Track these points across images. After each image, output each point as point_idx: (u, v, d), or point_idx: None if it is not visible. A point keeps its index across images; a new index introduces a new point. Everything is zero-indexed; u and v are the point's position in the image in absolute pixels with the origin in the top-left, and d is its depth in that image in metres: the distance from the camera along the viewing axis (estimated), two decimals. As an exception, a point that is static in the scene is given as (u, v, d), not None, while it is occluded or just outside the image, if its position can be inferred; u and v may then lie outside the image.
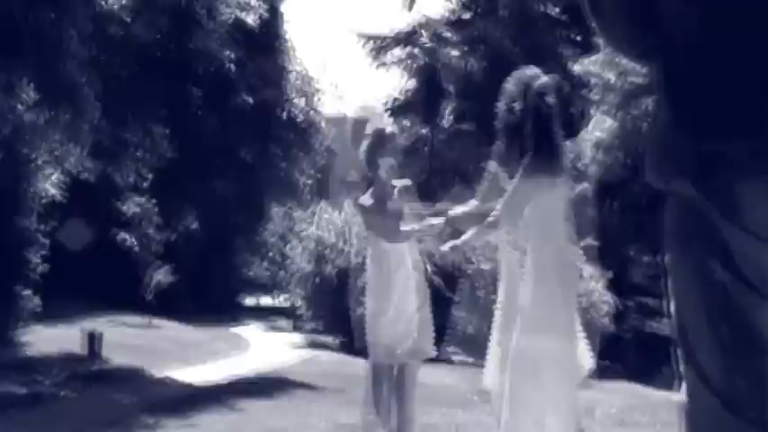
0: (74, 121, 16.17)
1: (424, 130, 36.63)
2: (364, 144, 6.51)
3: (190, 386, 14.84)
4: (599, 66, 20.55)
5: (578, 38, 29.66)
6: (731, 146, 1.25)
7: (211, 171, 30.98)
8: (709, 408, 1.32)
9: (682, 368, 1.40)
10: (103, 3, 15.89)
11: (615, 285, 18.73)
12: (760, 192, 1.23)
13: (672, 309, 1.42)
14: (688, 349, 1.37)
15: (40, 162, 18.89)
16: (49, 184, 19.71)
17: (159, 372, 16.44)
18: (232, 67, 24.98)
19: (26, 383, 14.20)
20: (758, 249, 1.23)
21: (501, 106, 5.22)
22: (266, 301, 43.21)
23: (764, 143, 1.23)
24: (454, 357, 17.38)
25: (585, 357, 5.30)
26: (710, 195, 1.28)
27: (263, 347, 23.21)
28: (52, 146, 18.03)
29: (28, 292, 19.07)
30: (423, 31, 36.13)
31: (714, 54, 1.28)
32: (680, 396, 1.41)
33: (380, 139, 6.43)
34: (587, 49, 23.57)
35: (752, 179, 1.23)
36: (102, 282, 28.28)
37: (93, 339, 18.24)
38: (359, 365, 17.77)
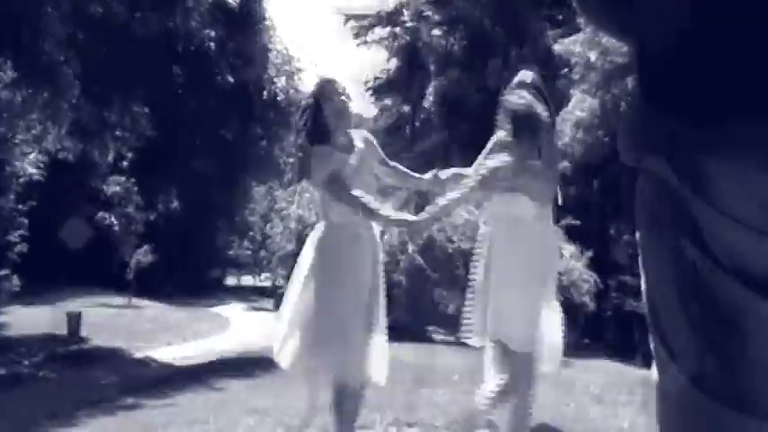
0: (53, 100, 16.06)
1: (405, 109, 36.63)
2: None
3: (170, 366, 14.81)
4: (580, 45, 20.53)
5: (560, 17, 29.62)
6: (704, 129, 1.25)
7: (192, 150, 30.89)
8: (680, 387, 1.31)
9: (653, 347, 1.38)
10: (82, -19, 15.76)
11: (596, 264, 18.78)
12: (729, 170, 1.22)
13: (644, 286, 1.41)
14: (659, 328, 1.36)
15: (17, 141, 18.75)
16: (28, 164, 19.58)
17: (139, 352, 16.42)
18: (212, 45, 24.88)
19: (5, 364, 14.16)
20: (725, 226, 1.23)
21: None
22: (247, 280, 43.21)
23: (739, 128, 1.22)
24: (435, 336, 17.44)
25: None
26: (682, 172, 1.28)
27: (244, 327, 23.18)
28: (30, 125, 17.91)
29: (6, 272, 18.97)
30: (405, 11, 36.06)
31: (694, 35, 1.27)
32: (653, 375, 1.40)
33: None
34: (569, 28, 23.56)
35: (722, 157, 1.23)
36: (82, 262, 28.22)
37: (73, 320, 18.19)
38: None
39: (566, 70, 22.38)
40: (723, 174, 1.23)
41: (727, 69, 1.25)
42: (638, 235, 1.42)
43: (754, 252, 1.23)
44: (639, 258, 1.42)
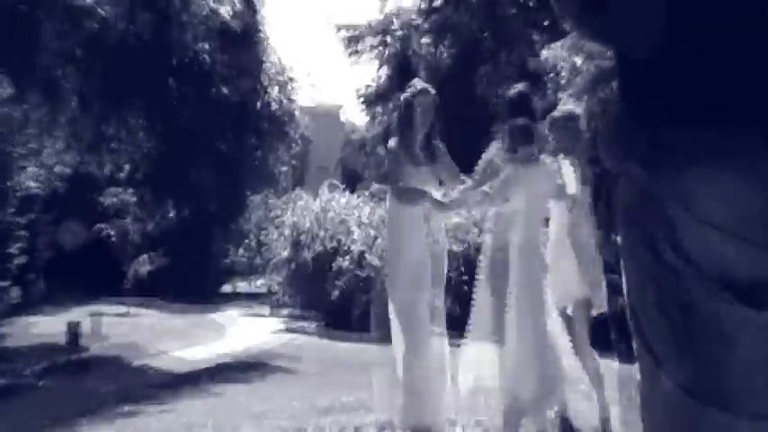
0: (51, 115, 16.26)
1: (396, 117, 36.70)
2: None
3: (168, 373, 14.91)
4: (566, 50, 20.62)
5: (546, 23, 29.78)
6: (681, 136, 1.26)
7: (189, 162, 30.95)
8: (665, 389, 1.31)
9: (636, 348, 1.38)
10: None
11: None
12: (705, 177, 1.24)
13: (625, 289, 1.40)
14: (640, 331, 1.35)
15: (16, 155, 18.93)
16: (25, 177, 19.76)
17: (138, 360, 16.52)
18: (207, 58, 25.06)
19: (5, 375, 14.29)
20: (704, 233, 1.24)
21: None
22: (242, 287, 43.13)
23: (715, 135, 1.24)
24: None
25: None
26: (660, 179, 1.28)
27: (241, 333, 23.30)
28: (28, 139, 18.08)
29: (6, 284, 19.12)
30: (395, 20, 36.17)
31: (669, 42, 1.29)
32: (636, 374, 1.40)
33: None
34: (556, 34, 23.67)
35: (699, 164, 1.24)
36: (81, 273, 28.40)
37: (73, 329, 18.35)
38: (335, 348, 17.93)
39: (551, 75, 22.47)
40: (700, 181, 1.24)
41: (703, 76, 1.26)
42: (618, 238, 1.44)
43: (733, 258, 1.22)
44: (621, 261, 1.44)
